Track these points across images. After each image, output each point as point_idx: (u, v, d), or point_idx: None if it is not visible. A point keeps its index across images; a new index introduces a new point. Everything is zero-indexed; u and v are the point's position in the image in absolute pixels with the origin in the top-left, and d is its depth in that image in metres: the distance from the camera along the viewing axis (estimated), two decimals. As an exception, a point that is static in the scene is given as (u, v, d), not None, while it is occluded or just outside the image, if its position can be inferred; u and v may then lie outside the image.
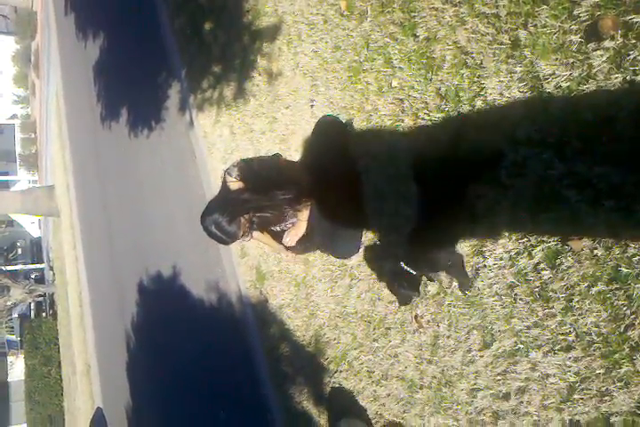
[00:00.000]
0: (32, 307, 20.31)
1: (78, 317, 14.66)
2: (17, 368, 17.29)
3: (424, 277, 2.92)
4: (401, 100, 3.21)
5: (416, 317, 3.10)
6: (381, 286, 3.35)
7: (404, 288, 2.86)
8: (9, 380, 17.68)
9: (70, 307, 15.57)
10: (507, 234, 2.55)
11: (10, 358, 18.01)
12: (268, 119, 4.73)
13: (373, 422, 3.28)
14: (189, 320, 6.69)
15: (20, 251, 23.32)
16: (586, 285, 2.19)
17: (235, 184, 3.15)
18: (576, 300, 2.23)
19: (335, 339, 3.73)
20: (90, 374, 13.01)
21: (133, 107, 9.26)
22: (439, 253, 2.77)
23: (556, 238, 2.32)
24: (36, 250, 24.30)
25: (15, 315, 20.65)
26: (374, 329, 3.40)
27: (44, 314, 19.02)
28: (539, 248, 2.38)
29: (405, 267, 2.77)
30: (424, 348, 3.01)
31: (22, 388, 16.44)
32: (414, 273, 2.78)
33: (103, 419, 11.40)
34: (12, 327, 19.98)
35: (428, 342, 2.99)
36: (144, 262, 8.46)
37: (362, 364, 3.47)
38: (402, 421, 3.11)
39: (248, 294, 5.00)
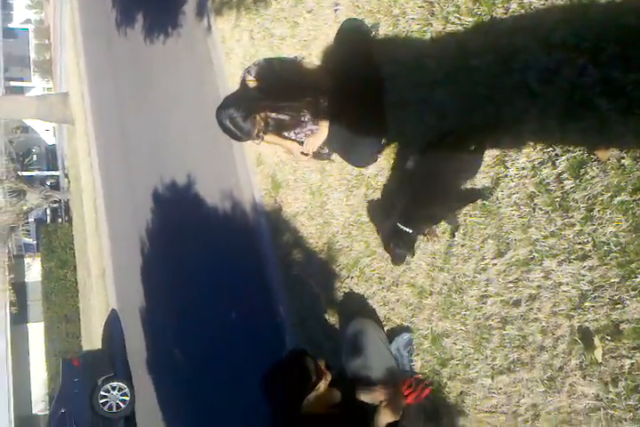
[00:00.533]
0: (48, 212, 20.68)
1: (93, 222, 14.94)
2: (34, 270, 17.87)
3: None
4: (431, 2, 3.07)
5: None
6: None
7: (399, 248, 2.93)
8: (26, 280, 18.32)
9: (85, 214, 15.83)
10: (532, 143, 2.50)
11: (27, 261, 18.58)
12: (289, 24, 4.57)
13: (383, 324, 3.38)
14: (203, 229, 6.79)
15: (35, 157, 23.43)
16: (609, 195, 2.17)
17: (253, 83, 3.09)
18: (597, 209, 2.22)
19: (348, 247, 3.78)
20: (105, 277, 13.43)
21: (149, 12, 8.96)
22: (437, 210, 2.84)
23: (582, 148, 2.28)
24: (50, 157, 24.42)
25: (31, 219, 21.06)
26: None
27: (59, 220, 19.37)
28: (564, 158, 2.35)
29: (402, 226, 2.81)
30: (437, 256, 3.05)
31: (39, 289, 17.07)
32: (410, 232, 2.83)
33: (117, 320, 11.88)
34: (29, 231, 20.43)
35: (441, 251, 3.03)
36: (159, 170, 8.49)
37: (373, 271, 3.53)
38: (410, 324, 3.21)
39: (262, 202, 5.03)
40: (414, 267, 3.20)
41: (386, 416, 2.83)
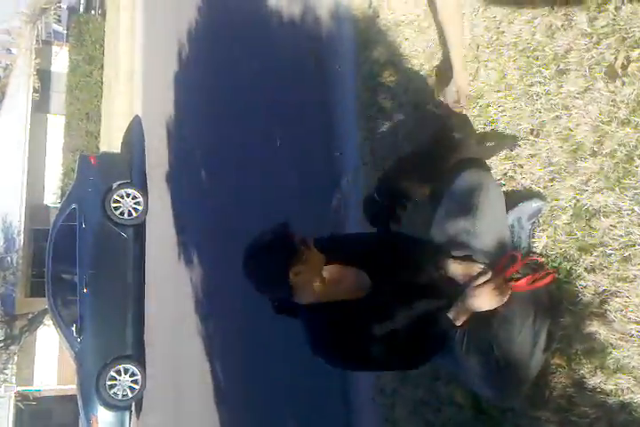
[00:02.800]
0: (82, 1, 19.05)
1: (129, 19, 13.63)
2: (60, 60, 16.82)
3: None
4: None
5: (623, 60, 2.15)
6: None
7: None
8: (52, 70, 17.34)
9: (121, 10, 14.43)
10: None
11: (55, 49, 17.46)
12: None
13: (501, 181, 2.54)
14: (260, 34, 5.71)
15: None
16: None
17: None
18: None
19: (472, 75, 2.82)
20: (133, 80, 12.48)
21: None
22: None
23: None
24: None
25: (64, 6, 19.53)
26: (540, 69, 2.46)
27: (92, 11, 17.88)
28: None
29: None
30: (621, 104, 2.12)
31: (64, 80, 16.16)
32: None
33: (140, 127, 11.17)
34: (60, 18, 19.04)
35: (631, 97, 2.09)
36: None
37: (503, 111, 2.61)
38: (543, 191, 2.37)
39: (350, 4, 3.94)
40: (576, 115, 2.27)
41: (479, 302, 2.10)
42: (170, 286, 8.61)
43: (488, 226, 2.25)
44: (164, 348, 8.86)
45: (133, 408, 10.14)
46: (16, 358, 14.32)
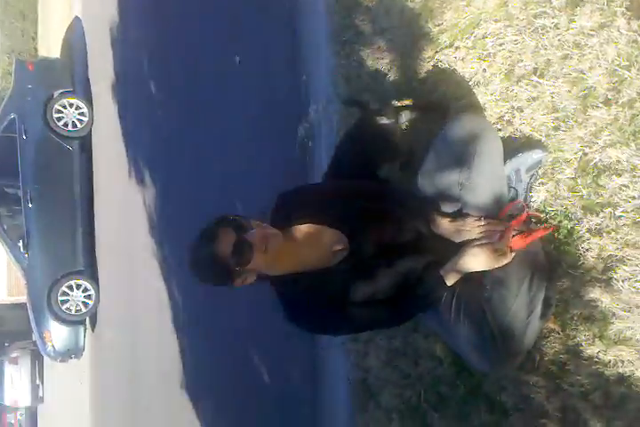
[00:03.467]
0: None
1: None
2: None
3: None
4: None
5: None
6: None
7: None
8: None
9: None
10: None
11: None
12: None
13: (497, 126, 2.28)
14: None
15: None
16: None
17: None
18: None
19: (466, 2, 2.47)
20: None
21: None
22: None
23: None
24: None
25: None
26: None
27: None
28: None
29: None
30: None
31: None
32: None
33: (81, 30, 10.23)
34: None
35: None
36: None
37: (502, 44, 2.31)
38: (546, 141, 2.13)
39: None
40: (591, 54, 2.00)
41: (476, 260, 1.92)
42: (120, 204, 8.26)
43: (485, 179, 2.01)
44: (118, 265, 8.66)
45: (88, 323, 10.09)
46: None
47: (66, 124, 9.29)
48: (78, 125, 9.37)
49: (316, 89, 3.57)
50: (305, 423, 3.79)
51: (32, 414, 17.78)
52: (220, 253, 1.77)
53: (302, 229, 1.97)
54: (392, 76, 2.80)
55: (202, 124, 5.54)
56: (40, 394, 15.62)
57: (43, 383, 15.53)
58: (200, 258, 1.84)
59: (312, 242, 1.97)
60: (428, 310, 2.04)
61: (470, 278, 1.98)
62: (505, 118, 2.27)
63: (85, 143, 9.50)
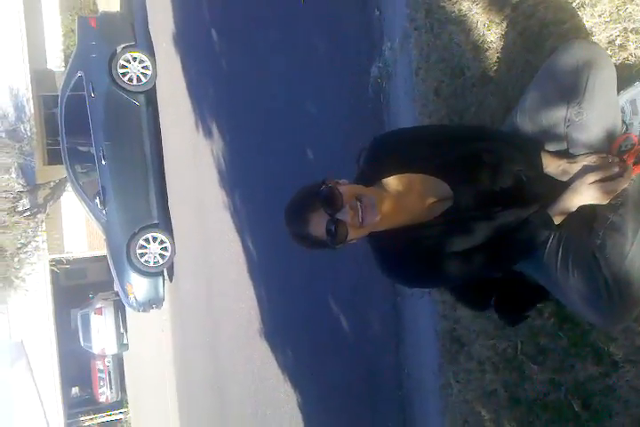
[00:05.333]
0: None
1: None
2: None
3: None
4: None
5: None
6: None
7: None
8: None
9: None
10: None
11: None
12: None
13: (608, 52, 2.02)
14: None
15: None
16: None
17: None
18: None
19: None
20: None
21: None
22: None
23: None
24: None
25: None
26: None
27: None
28: None
29: None
30: None
31: None
32: None
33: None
34: None
35: None
36: None
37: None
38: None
39: None
40: None
41: (585, 196, 1.75)
42: (189, 157, 8.28)
43: (598, 114, 1.79)
44: (191, 218, 8.78)
45: (166, 274, 10.40)
46: (44, 225, 14.51)
47: (131, 79, 9.31)
48: (143, 79, 9.37)
49: (390, 25, 3.33)
50: (391, 373, 3.73)
51: (119, 361, 18.89)
52: (315, 235, 1.71)
53: (402, 181, 1.81)
54: (479, 2, 2.53)
55: (268, 70, 5.37)
56: (125, 342, 16.48)
57: (127, 332, 16.35)
58: (298, 236, 1.78)
59: (413, 196, 1.82)
60: (531, 254, 1.88)
61: (579, 224, 1.80)
62: (617, 43, 2.00)
63: (151, 97, 9.52)
